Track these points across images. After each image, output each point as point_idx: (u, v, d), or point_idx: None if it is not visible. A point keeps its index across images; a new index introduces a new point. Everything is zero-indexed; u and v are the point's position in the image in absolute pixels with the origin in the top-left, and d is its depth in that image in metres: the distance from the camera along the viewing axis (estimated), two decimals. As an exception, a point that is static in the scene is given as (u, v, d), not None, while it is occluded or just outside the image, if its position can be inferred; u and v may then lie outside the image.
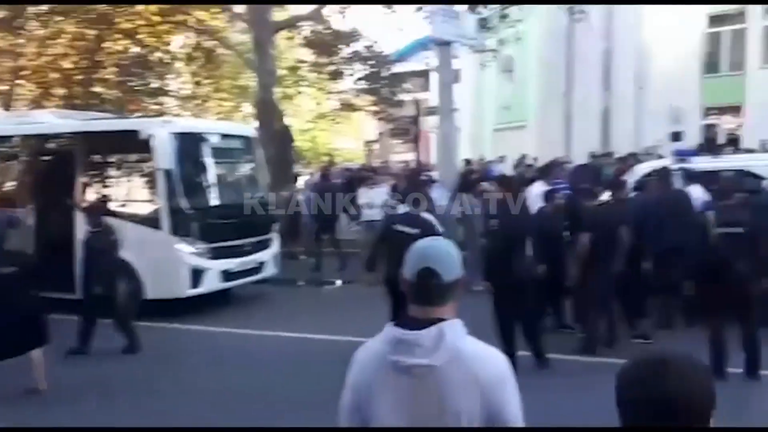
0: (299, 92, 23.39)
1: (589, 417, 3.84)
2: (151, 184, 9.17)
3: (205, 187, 9.74)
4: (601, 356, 6.52)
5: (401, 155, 26.14)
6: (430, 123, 22.89)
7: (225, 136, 10.52)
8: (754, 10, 20.23)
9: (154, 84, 22.97)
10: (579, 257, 6.88)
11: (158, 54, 21.67)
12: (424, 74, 28.06)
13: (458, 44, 13.78)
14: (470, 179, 11.33)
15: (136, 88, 21.92)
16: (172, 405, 5.86)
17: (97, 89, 21.62)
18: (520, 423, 1.88)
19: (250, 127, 11.90)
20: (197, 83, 23.79)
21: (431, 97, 24.74)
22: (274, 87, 16.55)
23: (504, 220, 6.57)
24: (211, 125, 13.37)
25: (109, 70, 21.77)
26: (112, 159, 9.86)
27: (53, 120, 10.66)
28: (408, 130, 21.43)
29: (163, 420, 5.38)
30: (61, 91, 21.92)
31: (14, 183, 10.42)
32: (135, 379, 6.55)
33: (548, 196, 7.79)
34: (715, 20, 21.09)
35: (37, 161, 10.23)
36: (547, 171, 9.94)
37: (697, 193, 7.76)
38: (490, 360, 1.88)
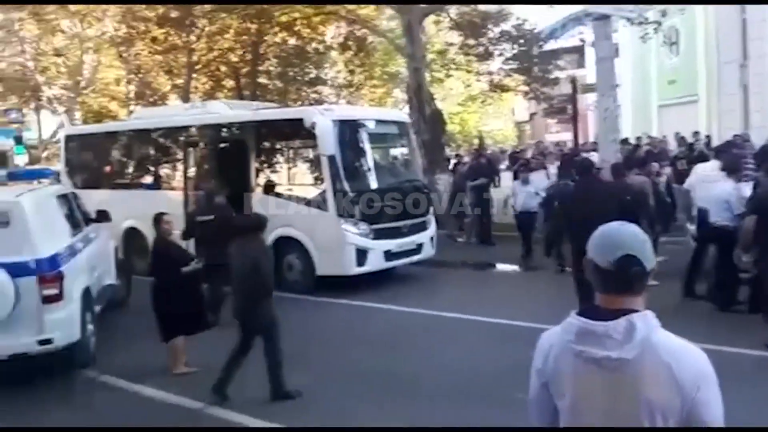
0: (448, 75, 23.37)
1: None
2: (316, 168, 9.68)
3: (366, 170, 10.13)
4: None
5: (556, 135, 25.34)
6: (587, 101, 22.04)
7: (381, 121, 10.93)
8: None
9: (311, 74, 24.03)
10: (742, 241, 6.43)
11: (314, 45, 22.65)
12: (578, 50, 26.95)
13: (616, 17, 13.09)
14: (637, 158, 10.79)
15: (295, 77, 23.05)
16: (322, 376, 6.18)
17: (261, 80, 23.04)
18: (720, 425, 1.77)
19: (403, 113, 12.18)
20: (351, 71, 24.55)
21: (587, 73, 23.79)
22: (424, 71, 16.71)
23: None
24: (367, 112, 13.81)
25: (271, 62, 23.11)
26: (279, 145, 10.56)
27: (225, 110, 11.51)
28: (563, 109, 20.71)
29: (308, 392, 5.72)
30: (230, 82, 23.63)
31: (194, 169, 11.45)
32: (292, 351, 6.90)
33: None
34: None
35: (212, 148, 11.14)
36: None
37: None
38: (689, 355, 1.78)
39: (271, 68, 23.26)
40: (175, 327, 6.36)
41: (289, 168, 10.32)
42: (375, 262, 9.53)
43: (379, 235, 9.55)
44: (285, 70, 22.78)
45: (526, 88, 21.64)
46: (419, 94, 15.79)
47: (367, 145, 10.23)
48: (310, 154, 9.90)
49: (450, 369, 6.21)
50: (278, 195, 9.87)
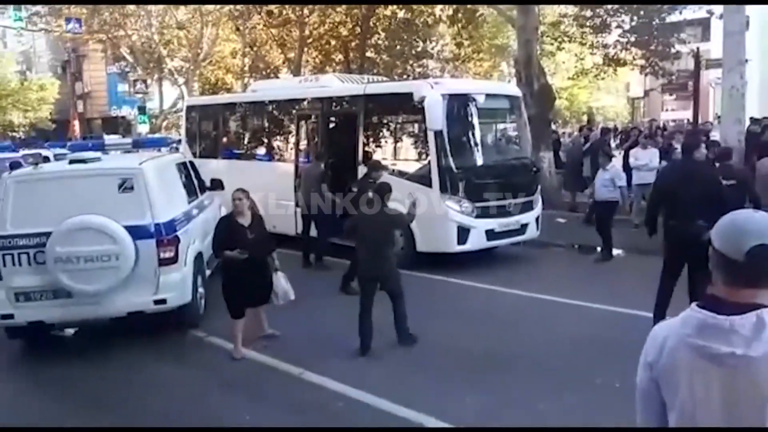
0: (560, 48, 22.55)
1: None
2: (423, 143, 9.58)
3: (473, 147, 9.90)
4: None
5: (672, 113, 23.96)
6: (710, 77, 20.63)
7: (492, 96, 10.48)
8: None
9: (419, 47, 23.93)
10: None
11: (423, 17, 22.50)
12: (702, 23, 25.24)
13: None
14: (763, 141, 10.03)
15: (402, 51, 23.04)
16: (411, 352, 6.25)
17: (369, 54, 23.21)
18: None
19: (515, 87, 11.75)
20: (458, 44, 24.24)
21: (711, 48, 22.24)
22: (535, 44, 16.20)
23: None
24: (478, 85, 13.55)
25: (380, 36, 23.21)
26: (388, 119, 10.60)
27: (337, 83, 11.68)
28: (683, 86, 19.49)
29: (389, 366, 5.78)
30: (339, 56, 23.98)
31: (306, 140, 11.73)
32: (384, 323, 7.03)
33: None
34: None
35: (325, 120, 11.37)
36: None
37: None
38: None
39: (379, 42, 23.37)
40: (237, 304, 6.35)
41: (396, 142, 10.35)
42: (476, 241, 9.35)
43: (482, 213, 9.36)
44: (393, 43, 22.81)
45: (643, 62, 20.56)
46: (528, 67, 15.32)
47: (476, 121, 9.98)
48: (418, 128, 9.83)
49: (546, 352, 6.11)
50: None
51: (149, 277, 6.47)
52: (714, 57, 17.07)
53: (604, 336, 6.37)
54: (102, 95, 42.24)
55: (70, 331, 7.44)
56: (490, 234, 9.47)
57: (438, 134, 9.19)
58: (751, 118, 14.09)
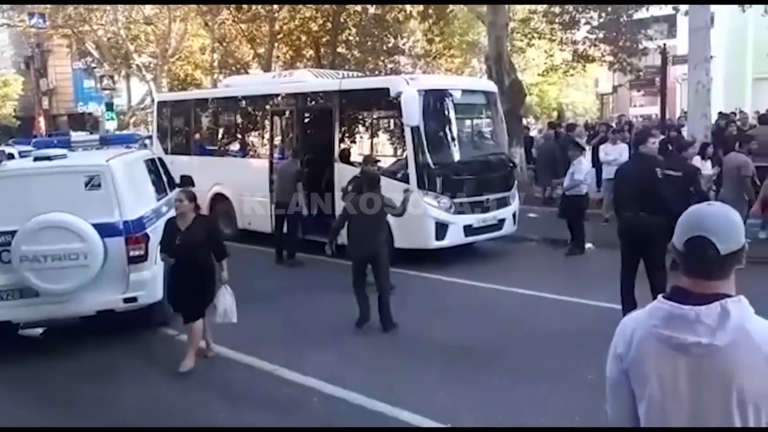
0: (530, 45, 22.74)
1: None
2: (400, 139, 9.53)
3: (450, 142, 9.86)
4: None
5: (640, 109, 24.33)
6: (677, 73, 20.95)
7: (468, 91, 10.51)
8: None
9: (390, 43, 23.90)
10: None
11: (394, 13, 22.48)
12: (669, 19, 25.65)
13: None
14: (728, 135, 10.22)
15: (374, 47, 22.99)
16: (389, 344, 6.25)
17: (340, 50, 23.12)
18: None
19: (490, 82, 11.68)
20: (429, 40, 24.28)
21: (678, 44, 22.61)
22: (505, 40, 16.30)
23: None
24: (455, 81, 13.41)
25: (350, 31, 23.12)
26: (364, 115, 10.49)
27: (311, 79, 11.56)
28: (650, 82, 19.78)
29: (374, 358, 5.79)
30: (310, 52, 23.84)
31: (281, 136, 11.60)
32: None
33: None
34: None
35: (299, 116, 11.24)
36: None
37: None
38: None
39: (350, 38, 23.29)
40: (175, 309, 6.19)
41: (373, 138, 10.25)
42: (454, 237, 9.32)
43: (460, 209, 9.35)
44: (364, 39, 22.74)
45: (612, 59, 20.84)
46: (499, 63, 15.44)
47: (452, 116, 9.96)
48: (395, 124, 9.78)
49: (520, 345, 6.18)
50: (354, 165, 9.85)
51: (119, 275, 6.36)
52: (680, 53, 17.33)
53: (577, 328, 6.44)
54: (68, 91, 41.35)
55: (38, 330, 7.28)
56: (468, 230, 9.47)
57: (415, 130, 9.15)
58: (719, 113, 14.38)
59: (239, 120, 12.66)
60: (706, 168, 9.31)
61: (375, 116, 10.37)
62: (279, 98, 11.53)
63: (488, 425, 4.62)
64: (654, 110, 25.19)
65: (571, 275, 8.92)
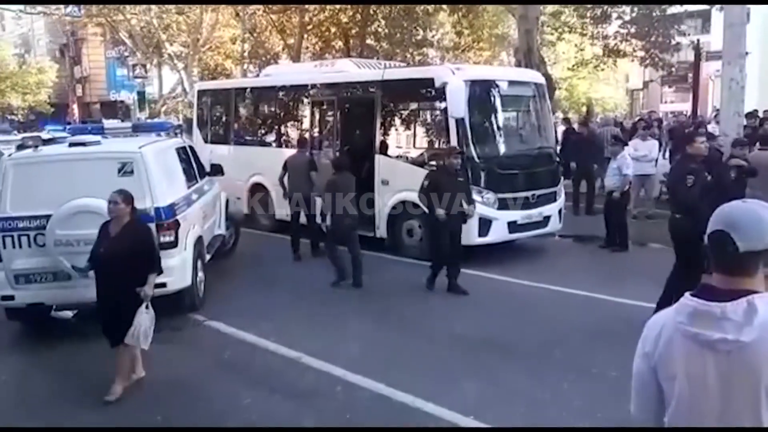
0: (560, 39, 22.49)
1: None
2: (444, 131, 9.09)
3: (495, 135, 9.57)
4: None
5: (671, 105, 23.94)
6: (710, 69, 20.61)
7: (516, 82, 10.11)
8: None
9: (419, 35, 23.83)
10: None
11: (424, 5, 22.40)
12: (703, 15, 25.21)
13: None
14: (761, 134, 10.02)
15: (402, 39, 22.94)
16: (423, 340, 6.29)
17: (369, 42, 23.11)
18: None
19: (539, 74, 11.29)
20: (458, 33, 24.15)
21: (712, 40, 22.23)
22: (535, 33, 16.15)
23: None
24: (502, 72, 12.85)
25: (380, 23, 23.10)
26: (407, 106, 10.11)
27: (353, 69, 11.33)
28: (682, 78, 19.47)
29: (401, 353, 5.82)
30: (339, 43, 23.88)
31: (321, 127, 11.38)
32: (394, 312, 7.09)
33: None
34: None
35: (340, 106, 10.97)
36: None
37: None
38: None
39: (379, 29, 23.27)
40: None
41: (415, 130, 10.01)
42: (498, 233, 8.98)
43: (504, 204, 9.00)
44: (393, 31, 22.70)
45: (643, 54, 20.54)
46: (529, 57, 15.28)
47: (498, 108, 9.66)
48: (439, 115, 9.36)
49: (548, 341, 6.17)
50: (400, 157, 9.71)
51: (149, 261, 6.47)
52: (714, 49, 17.06)
53: (607, 326, 6.40)
54: (101, 79, 42.01)
55: (69, 313, 7.46)
56: (512, 226, 9.14)
57: (460, 122, 8.80)
58: (748, 113, 14.09)
59: (279, 110, 12.49)
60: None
61: (418, 107, 10.02)
62: (320, 88, 11.24)
63: (510, 418, 4.65)
64: (685, 107, 24.82)
65: (606, 273, 8.69)
